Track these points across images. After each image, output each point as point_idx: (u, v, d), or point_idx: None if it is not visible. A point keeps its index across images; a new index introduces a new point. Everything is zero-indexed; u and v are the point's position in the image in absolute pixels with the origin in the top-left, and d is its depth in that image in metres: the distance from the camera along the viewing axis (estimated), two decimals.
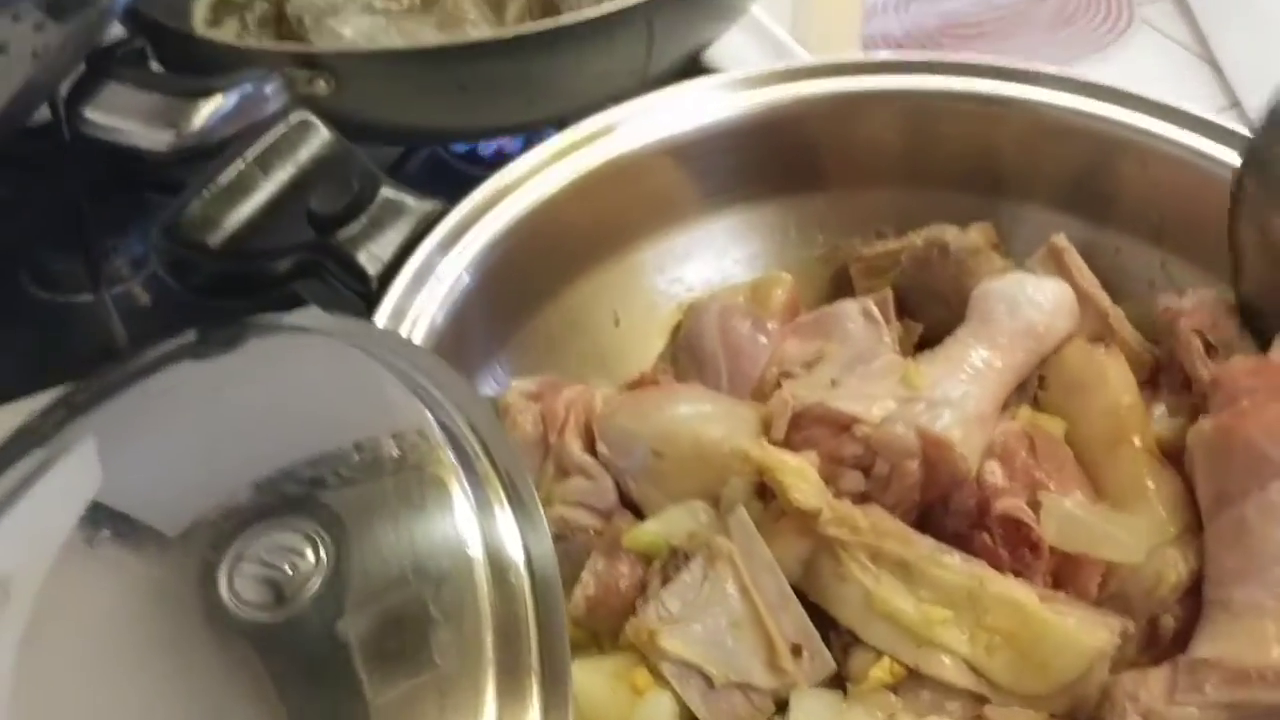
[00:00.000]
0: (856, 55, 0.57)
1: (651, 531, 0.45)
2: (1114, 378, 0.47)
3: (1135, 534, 0.43)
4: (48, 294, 0.77)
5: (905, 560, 0.42)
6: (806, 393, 0.47)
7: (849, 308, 0.52)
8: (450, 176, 0.78)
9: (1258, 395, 0.43)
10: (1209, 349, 0.48)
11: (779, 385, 0.49)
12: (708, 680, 0.41)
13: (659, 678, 0.41)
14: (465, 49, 0.62)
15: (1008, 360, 0.47)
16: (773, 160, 0.58)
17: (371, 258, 0.50)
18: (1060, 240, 0.52)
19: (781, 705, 0.42)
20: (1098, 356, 0.47)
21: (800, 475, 0.43)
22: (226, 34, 0.79)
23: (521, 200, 0.52)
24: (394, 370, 0.43)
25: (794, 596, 0.42)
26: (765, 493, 0.44)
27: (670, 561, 0.43)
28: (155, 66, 0.68)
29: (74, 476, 0.43)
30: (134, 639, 0.37)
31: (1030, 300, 0.48)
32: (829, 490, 0.43)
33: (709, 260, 0.59)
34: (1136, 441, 0.45)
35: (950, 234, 0.53)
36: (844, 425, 0.44)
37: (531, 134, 0.73)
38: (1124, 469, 0.45)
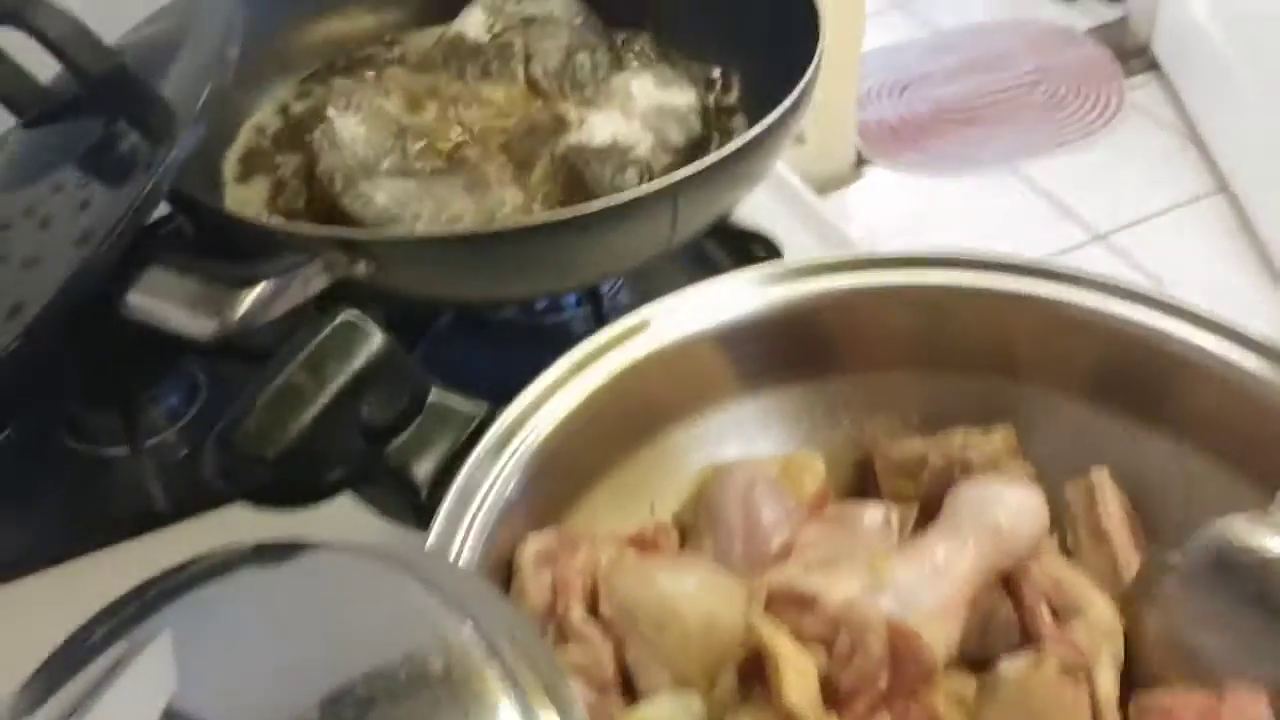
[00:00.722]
0: (881, 250, 0.59)
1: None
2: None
3: None
4: (84, 447, 0.79)
5: None
6: (778, 574, 0.49)
7: (872, 513, 0.54)
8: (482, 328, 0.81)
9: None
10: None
11: None
12: None
13: None
14: (500, 235, 0.64)
15: (973, 559, 0.49)
16: (800, 348, 0.60)
17: (423, 469, 0.51)
18: (1098, 477, 0.54)
19: None
20: (1066, 694, 0.46)
21: (801, 672, 0.44)
22: (258, 189, 0.81)
23: (565, 400, 0.54)
24: (441, 593, 0.44)
25: None
26: (751, 672, 0.46)
27: None
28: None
29: (150, 678, 0.45)
30: None
31: (997, 502, 0.50)
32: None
33: (740, 442, 0.60)
34: None
35: (973, 449, 0.55)
36: (808, 603, 0.47)
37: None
38: None
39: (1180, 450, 0.56)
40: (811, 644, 0.46)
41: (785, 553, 0.54)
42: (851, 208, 2.49)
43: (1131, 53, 2.81)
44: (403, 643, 0.44)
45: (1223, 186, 2.47)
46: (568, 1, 0.91)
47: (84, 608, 0.45)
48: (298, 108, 0.88)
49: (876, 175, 2.56)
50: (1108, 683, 0.46)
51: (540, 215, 0.72)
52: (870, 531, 0.53)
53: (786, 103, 0.68)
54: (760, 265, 0.60)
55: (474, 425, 0.53)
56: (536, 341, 0.82)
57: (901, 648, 0.45)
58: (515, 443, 0.52)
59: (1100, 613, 0.49)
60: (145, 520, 0.73)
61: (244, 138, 0.85)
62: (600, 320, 0.78)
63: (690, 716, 0.47)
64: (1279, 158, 2.27)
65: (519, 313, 0.83)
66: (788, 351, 0.60)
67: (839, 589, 0.47)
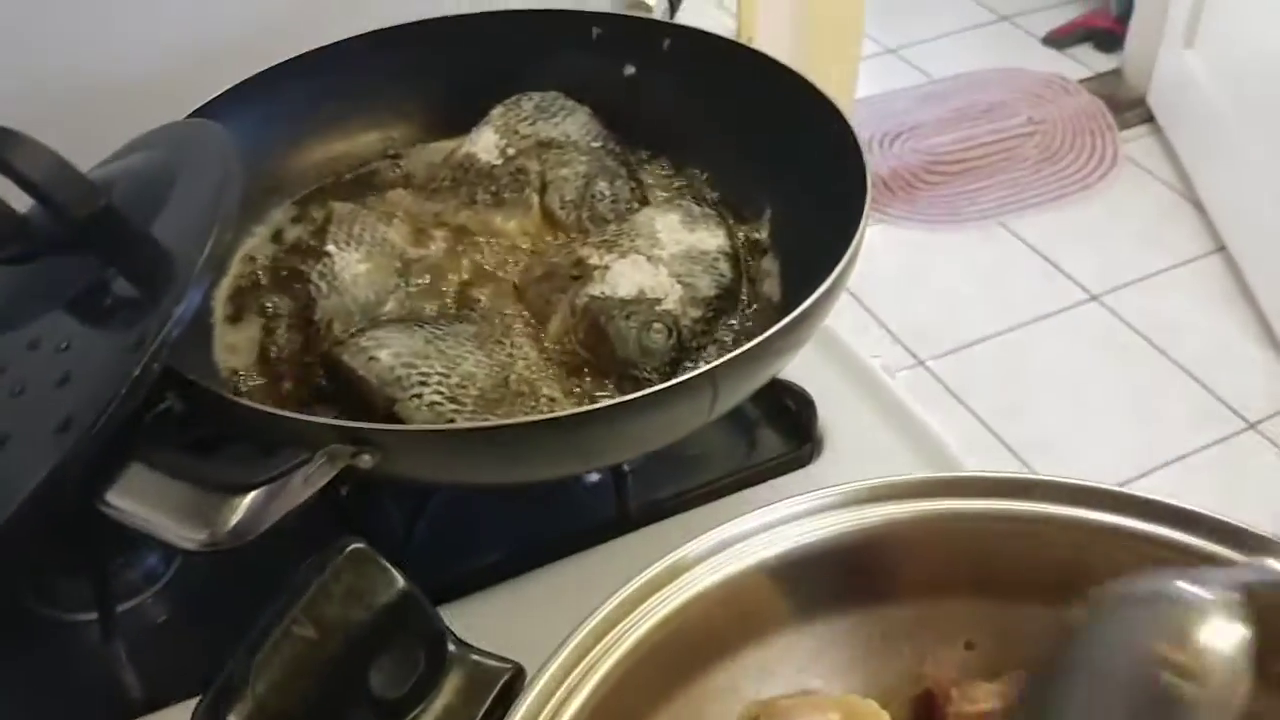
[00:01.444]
0: (936, 475, 0.54)
1: None
2: None
3: None
4: (51, 612, 0.72)
5: None
6: None
7: None
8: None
9: None
10: None
11: None
12: None
13: None
14: (523, 429, 0.58)
15: None
16: (853, 577, 0.54)
17: None
18: None
19: None
20: None
21: None
22: (249, 333, 0.75)
23: (609, 655, 0.48)
24: None
25: None
26: None
27: None
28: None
29: None
30: None
31: None
32: None
33: (790, 675, 0.55)
34: None
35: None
36: None
37: None
38: None
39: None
40: None
41: None
42: None
43: (1126, 105, 2.77)
44: None
45: (1219, 246, 2.44)
46: (586, 122, 0.85)
47: None
48: (293, 233, 0.81)
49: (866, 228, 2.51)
50: None
51: (568, 408, 0.66)
52: None
53: (829, 280, 0.63)
54: (811, 494, 0.54)
55: (499, 687, 0.47)
56: (550, 501, 0.76)
57: None
58: (562, 693, 0.46)
59: None
60: (118, 709, 0.66)
61: (235, 269, 0.79)
62: (620, 486, 0.72)
63: None
64: (1277, 219, 2.23)
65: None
66: (841, 581, 0.54)
67: None
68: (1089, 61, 2.96)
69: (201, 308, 0.75)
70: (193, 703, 0.65)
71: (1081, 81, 2.87)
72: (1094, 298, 2.37)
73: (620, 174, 0.81)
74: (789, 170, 0.79)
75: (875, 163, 2.64)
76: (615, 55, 0.86)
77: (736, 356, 0.60)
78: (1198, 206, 2.54)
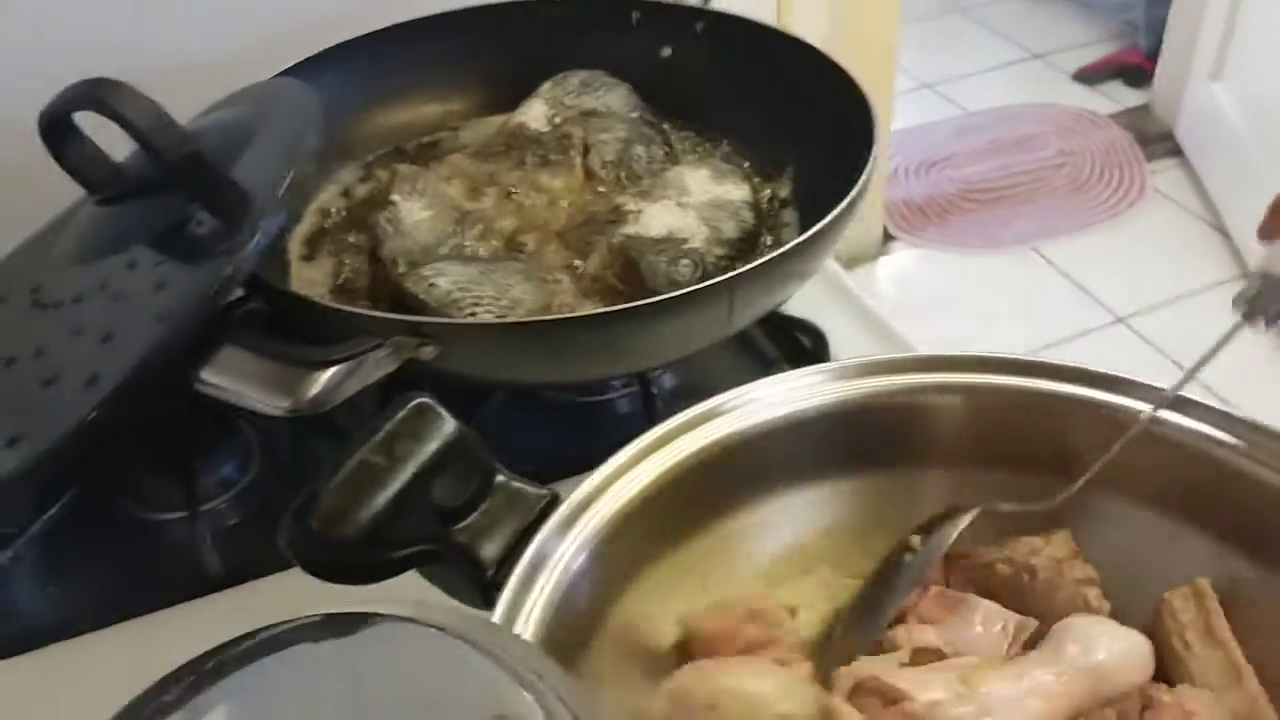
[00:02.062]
0: (934, 351, 0.62)
1: None
2: None
3: None
4: (144, 513, 0.81)
5: None
6: (871, 666, 0.51)
7: (990, 614, 0.56)
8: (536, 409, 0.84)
9: None
10: None
11: None
12: None
13: None
14: (562, 323, 0.67)
15: (1067, 690, 0.51)
16: (855, 444, 0.62)
17: (488, 549, 0.53)
18: (1204, 585, 0.56)
19: None
20: None
21: None
22: (323, 270, 0.84)
23: (624, 492, 0.56)
24: (511, 671, 0.46)
25: None
26: None
27: None
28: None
29: None
30: None
31: (1106, 646, 0.52)
32: None
33: (788, 529, 0.63)
34: None
35: (1038, 556, 0.57)
36: (893, 700, 0.49)
37: None
38: None
39: (1223, 551, 0.58)
40: None
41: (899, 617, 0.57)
42: (877, 283, 2.52)
43: (1155, 138, 2.85)
44: (466, 718, 0.45)
45: (1245, 272, 2.49)
46: (625, 96, 0.94)
47: (142, 666, 0.46)
48: (361, 191, 0.91)
49: (902, 251, 2.60)
50: None
51: (600, 307, 0.75)
52: (982, 633, 0.55)
53: (839, 209, 0.71)
54: (824, 365, 0.62)
55: (540, 508, 0.55)
56: (584, 421, 0.85)
57: None
58: (580, 524, 0.55)
59: None
60: (199, 584, 0.75)
61: (309, 219, 0.88)
62: (648, 401, 0.80)
63: None
64: None
65: (568, 393, 0.85)
66: (843, 446, 0.62)
67: (927, 692, 0.49)
68: (1118, 96, 3.04)
69: (279, 246, 0.85)
70: (261, 581, 0.75)
71: (1111, 116, 2.95)
72: (1121, 320, 2.43)
73: (655, 139, 0.91)
74: (811, 139, 0.88)
75: (910, 189, 2.73)
76: (653, 37, 0.96)
77: (753, 268, 0.68)
78: (1224, 234, 2.60)
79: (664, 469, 0.58)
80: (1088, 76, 3.09)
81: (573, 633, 0.54)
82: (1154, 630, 0.57)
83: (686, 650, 0.59)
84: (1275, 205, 0.57)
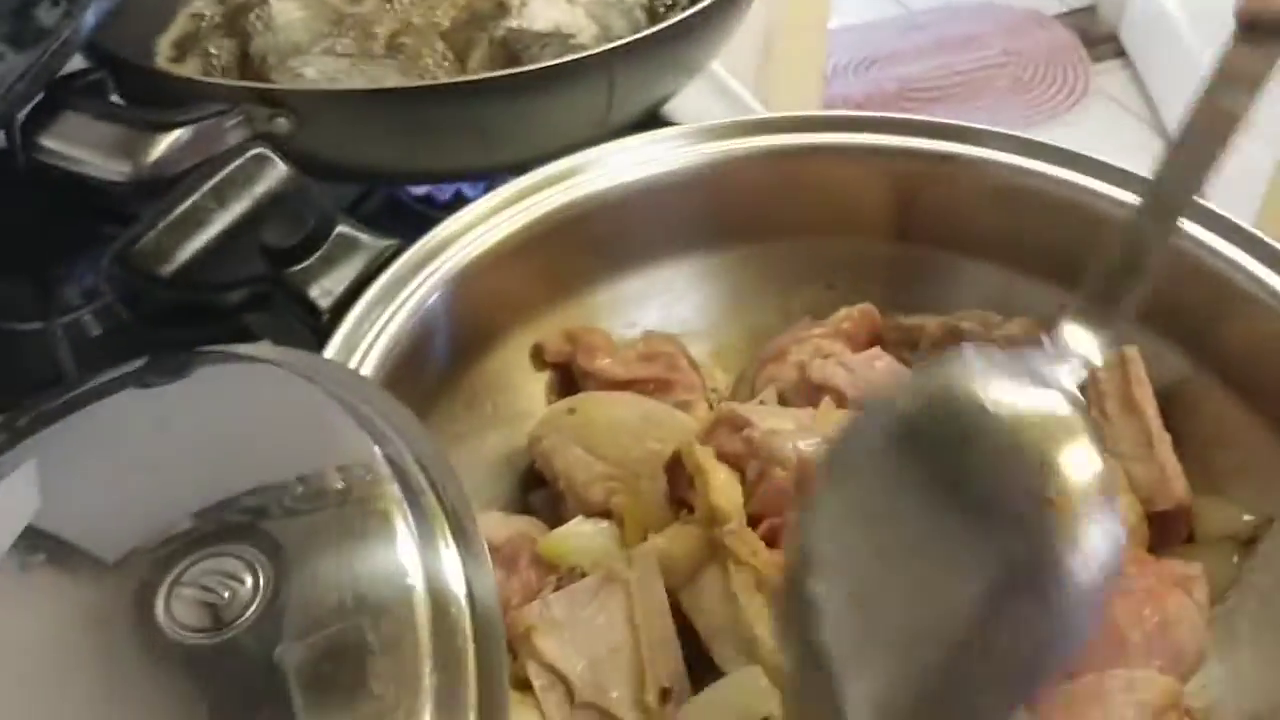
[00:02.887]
0: (813, 111, 0.58)
1: (566, 539, 0.47)
2: None
3: None
4: None
5: None
6: (738, 405, 0.50)
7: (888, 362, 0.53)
8: (407, 218, 0.79)
9: (1145, 585, 0.44)
10: None
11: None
12: (570, 694, 0.42)
13: (524, 686, 0.42)
14: (426, 91, 0.63)
15: None
16: (728, 210, 0.59)
17: (323, 292, 0.50)
18: (1131, 352, 0.53)
19: None
20: None
21: (727, 480, 0.45)
22: (189, 70, 0.79)
23: (478, 241, 0.53)
24: (342, 403, 0.43)
25: (677, 642, 0.43)
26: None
27: (567, 574, 0.45)
28: (115, 98, 0.69)
29: (11, 501, 0.43)
30: (67, 662, 0.37)
31: None
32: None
33: (665, 304, 0.60)
34: None
35: (994, 329, 0.54)
36: (739, 426, 0.47)
37: (491, 179, 0.74)
38: None
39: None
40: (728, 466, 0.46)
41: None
42: None
43: (1099, 39, 2.82)
44: (302, 457, 0.42)
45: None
46: None
47: None
48: None
49: None
50: None
51: (468, 76, 0.71)
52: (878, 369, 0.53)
53: None
54: (694, 124, 0.58)
55: (384, 257, 0.52)
56: None
57: (807, 484, 0.44)
58: (433, 266, 0.51)
59: None
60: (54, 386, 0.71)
61: (180, 23, 0.83)
62: None
63: (605, 547, 0.46)
64: (1241, 151, 2.28)
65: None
66: (716, 212, 0.59)
67: (769, 421, 0.47)
68: None
69: (145, 51, 0.80)
70: None
71: (1056, 16, 2.91)
72: None
73: None
74: None
75: (850, 86, 2.68)
76: None
77: (634, 41, 0.64)
78: (1164, 135, 2.59)
79: (517, 228, 0.54)
80: None
81: (420, 383, 0.51)
82: None
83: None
84: None
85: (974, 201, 0.57)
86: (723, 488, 0.44)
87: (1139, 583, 0.44)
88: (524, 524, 0.49)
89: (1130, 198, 0.54)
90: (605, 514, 0.48)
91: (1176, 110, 2.57)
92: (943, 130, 0.57)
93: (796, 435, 0.45)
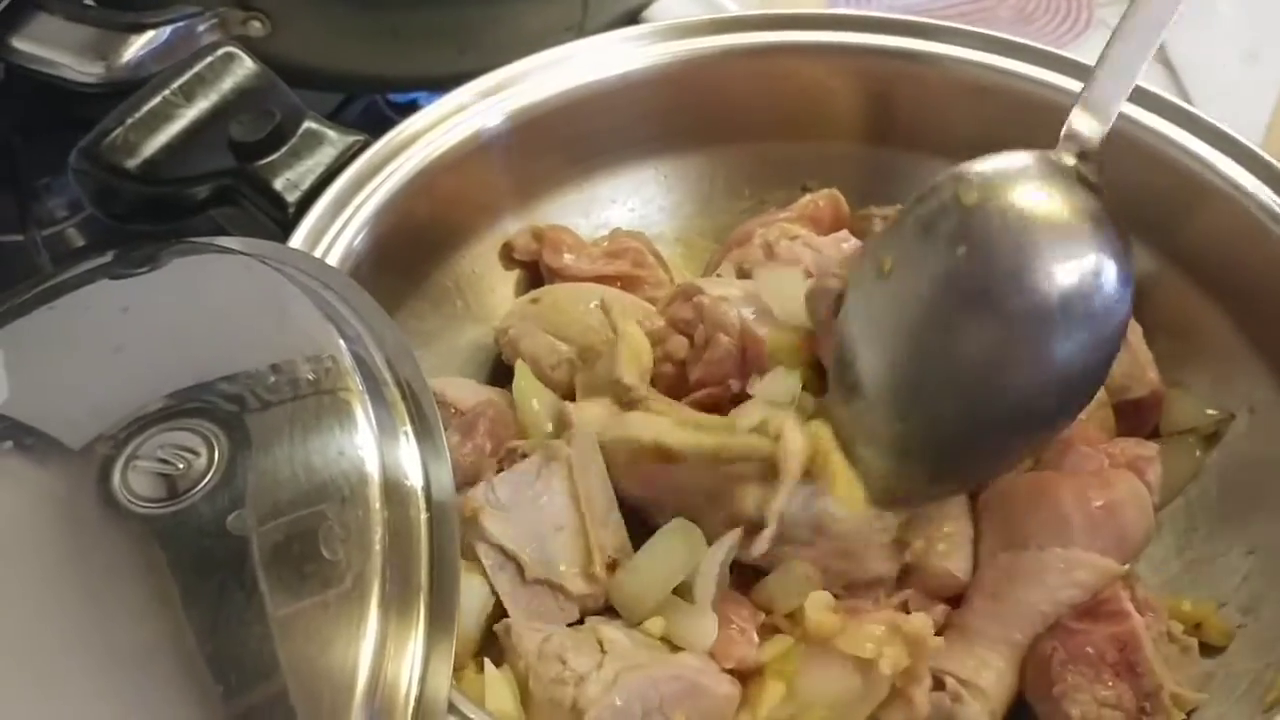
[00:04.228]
0: (778, 11, 0.58)
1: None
2: None
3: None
4: None
5: None
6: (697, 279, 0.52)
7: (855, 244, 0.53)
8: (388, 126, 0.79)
9: (1100, 468, 0.45)
10: None
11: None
12: (520, 571, 0.43)
13: (473, 558, 0.43)
14: None
15: None
16: (695, 111, 0.58)
17: (289, 185, 0.50)
18: None
19: (584, 616, 0.43)
20: None
21: (636, 352, 0.47)
22: None
23: (444, 139, 0.53)
24: (308, 292, 0.43)
25: (619, 514, 0.44)
26: None
27: (508, 455, 0.45)
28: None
29: None
30: (30, 538, 0.37)
31: None
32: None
33: (635, 205, 0.60)
34: None
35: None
36: (690, 294, 0.48)
37: None
38: None
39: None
40: (676, 334, 0.48)
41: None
42: None
43: None
44: (266, 344, 0.42)
45: (1187, 102, 2.46)
46: None
47: None
48: None
49: None
50: None
51: None
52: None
53: None
54: (663, 22, 0.58)
55: (351, 152, 0.51)
56: None
57: (746, 347, 0.44)
58: (398, 162, 0.51)
59: None
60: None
61: None
62: None
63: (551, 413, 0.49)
64: (1243, 76, 2.26)
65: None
66: (683, 114, 0.59)
67: (718, 289, 0.47)
68: None
69: None
70: None
71: None
72: None
73: None
74: None
75: None
76: None
77: None
78: (1168, 66, 2.56)
79: (485, 125, 0.54)
80: None
81: (386, 280, 0.51)
82: None
83: None
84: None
85: (946, 100, 0.56)
86: (629, 361, 0.46)
87: (1089, 463, 0.45)
88: (492, 393, 0.50)
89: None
90: (572, 395, 0.49)
91: (1178, 38, 2.55)
92: (912, 28, 0.57)
93: (742, 302, 0.46)
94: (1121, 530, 0.43)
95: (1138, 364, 0.50)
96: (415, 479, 0.39)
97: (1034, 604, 0.42)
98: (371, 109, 0.79)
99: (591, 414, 0.45)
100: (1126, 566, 0.43)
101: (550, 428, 0.48)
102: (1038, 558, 0.43)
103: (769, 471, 0.41)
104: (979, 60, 0.56)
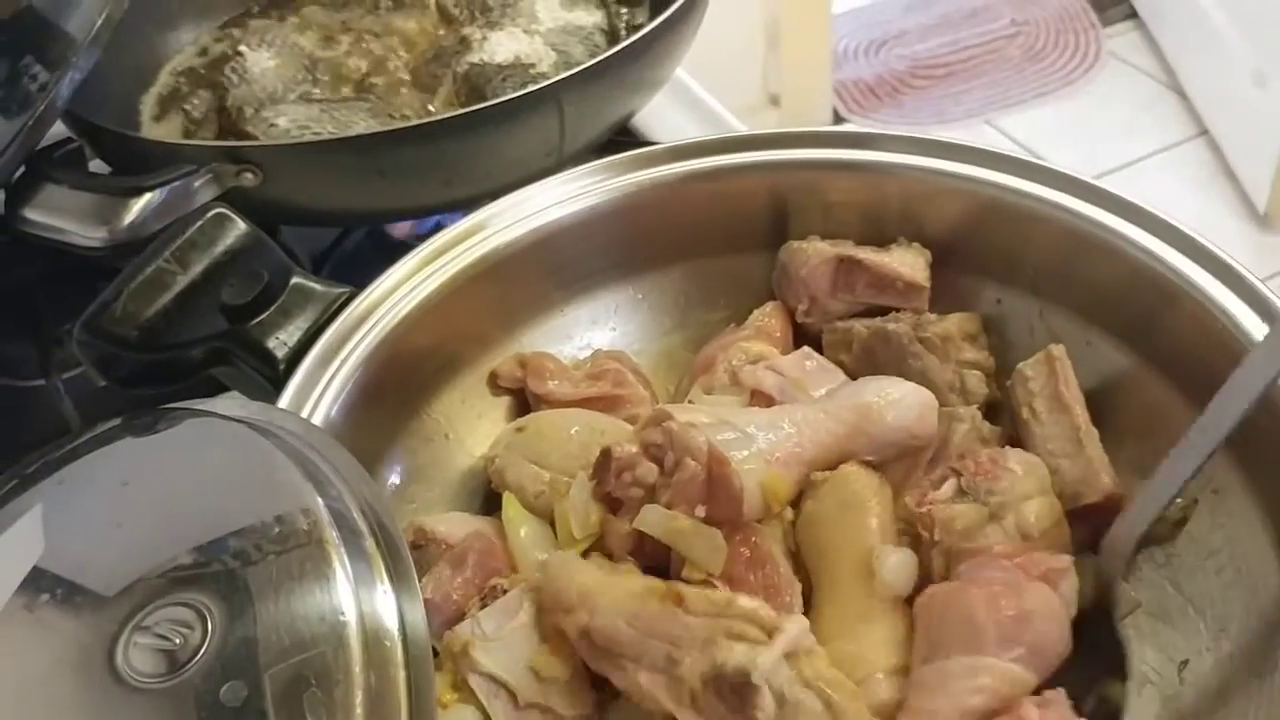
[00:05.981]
0: (725, 132, 0.61)
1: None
2: (874, 508, 0.50)
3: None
4: (2, 379, 0.80)
5: None
6: (671, 406, 0.52)
7: (817, 362, 0.56)
8: (389, 250, 0.82)
9: (1006, 578, 0.46)
10: None
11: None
12: (513, 698, 0.45)
13: (466, 690, 0.45)
14: (379, 137, 0.66)
15: (832, 428, 0.50)
16: (663, 233, 0.61)
17: (279, 344, 0.53)
18: (1057, 350, 0.54)
19: None
20: (866, 482, 0.50)
21: (580, 515, 0.50)
22: (171, 127, 0.83)
23: (426, 283, 0.56)
24: (291, 454, 0.46)
25: None
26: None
27: (490, 591, 0.48)
28: (94, 164, 0.72)
29: (19, 544, 0.47)
30: (50, 705, 0.40)
31: (877, 390, 0.52)
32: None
33: (616, 325, 0.63)
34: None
35: (929, 328, 0.56)
36: (660, 420, 0.50)
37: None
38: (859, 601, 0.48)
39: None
40: (645, 460, 0.49)
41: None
42: None
43: (1109, 2, 2.80)
44: (250, 506, 0.45)
45: (1202, 130, 2.46)
46: None
47: None
48: (216, 50, 0.89)
49: None
50: None
51: (418, 120, 0.74)
52: (808, 370, 0.56)
53: (675, 6, 0.69)
54: (609, 158, 0.61)
55: (337, 305, 0.54)
56: None
57: (716, 474, 0.46)
58: (376, 317, 0.54)
59: None
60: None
61: (162, 80, 0.87)
62: None
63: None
64: (1255, 101, 2.26)
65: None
66: (644, 238, 0.61)
67: (688, 415, 0.49)
68: None
69: (130, 109, 0.84)
70: None
71: None
72: None
73: None
74: None
75: (860, 70, 2.69)
76: None
77: (580, 73, 0.67)
78: (1180, 94, 2.57)
79: (465, 265, 0.57)
80: None
81: (377, 423, 0.54)
82: (1010, 405, 0.56)
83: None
84: None
85: (898, 204, 0.59)
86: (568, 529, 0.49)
87: (1000, 575, 0.46)
88: (481, 524, 0.53)
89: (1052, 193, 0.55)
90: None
91: (1190, 66, 2.56)
92: (851, 139, 0.59)
93: (711, 429, 0.48)
94: (1035, 640, 0.44)
95: (1092, 470, 0.51)
96: (391, 622, 0.41)
97: (944, 713, 0.43)
98: (374, 234, 0.82)
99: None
100: (1036, 680, 0.44)
101: (540, 555, 0.51)
102: (944, 667, 0.44)
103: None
104: (917, 165, 0.58)
